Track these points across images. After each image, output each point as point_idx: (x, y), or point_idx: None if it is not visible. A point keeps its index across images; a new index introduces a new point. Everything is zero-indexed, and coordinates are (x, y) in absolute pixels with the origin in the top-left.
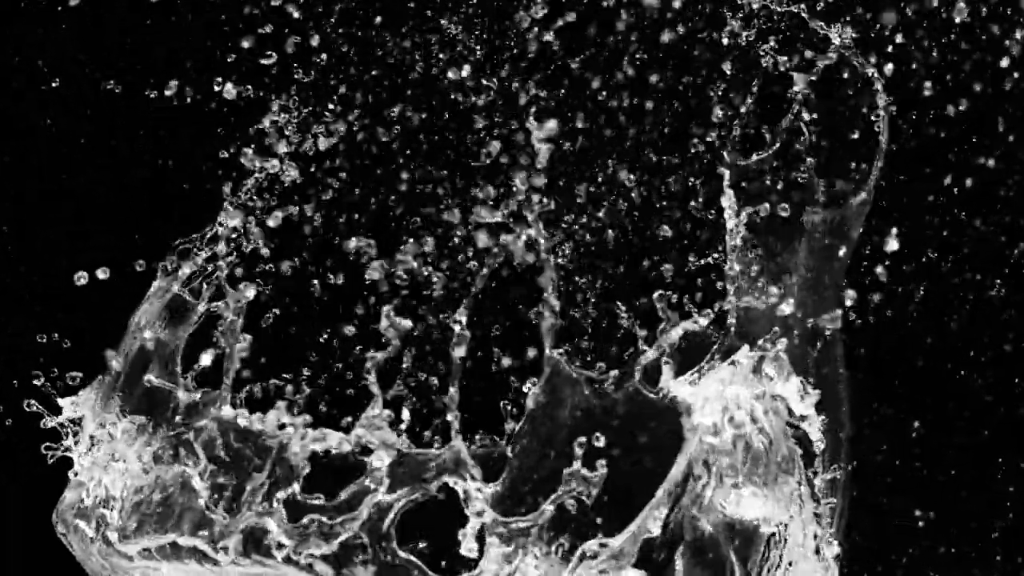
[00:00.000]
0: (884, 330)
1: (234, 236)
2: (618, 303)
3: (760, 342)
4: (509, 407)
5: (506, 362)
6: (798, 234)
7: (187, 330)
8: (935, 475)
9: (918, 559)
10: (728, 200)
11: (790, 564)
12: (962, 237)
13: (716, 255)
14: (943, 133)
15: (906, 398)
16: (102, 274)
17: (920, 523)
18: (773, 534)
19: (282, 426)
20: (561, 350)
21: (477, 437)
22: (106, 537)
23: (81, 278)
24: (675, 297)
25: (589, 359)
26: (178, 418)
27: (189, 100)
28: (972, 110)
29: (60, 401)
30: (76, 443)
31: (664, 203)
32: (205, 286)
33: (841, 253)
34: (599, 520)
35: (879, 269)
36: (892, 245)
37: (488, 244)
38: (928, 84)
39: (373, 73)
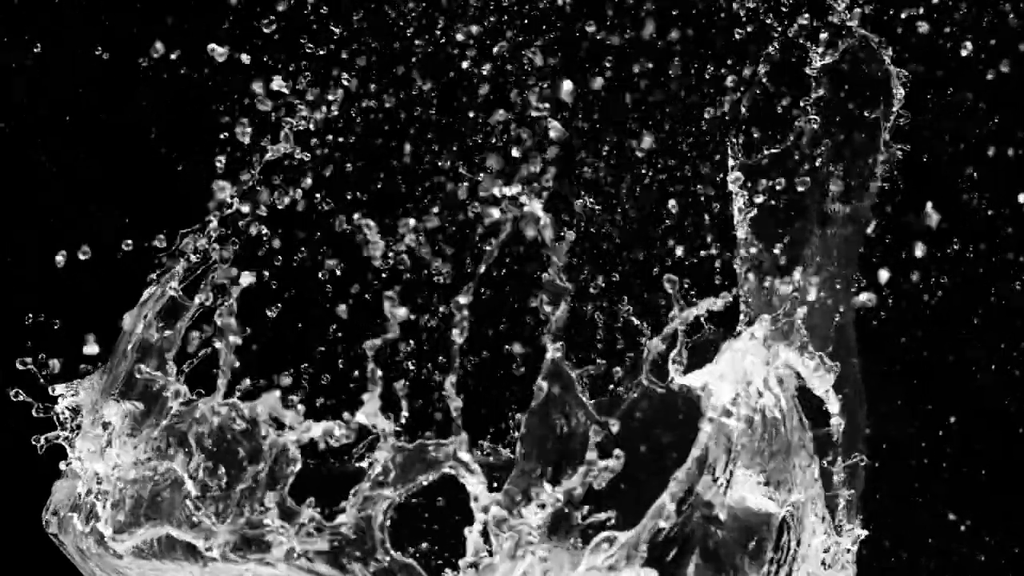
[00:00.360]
0: (914, 323)
1: (228, 215)
2: (624, 299)
3: (777, 312)
4: (515, 412)
5: (516, 350)
6: (814, 219)
7: (183, 325)
8: (969, 477)
9: (953, 565)
10: (737, 185)
11: (803, 559)
12: (1002, 216)
13: (722, 244)
14: (981, 102)
15: (938, 396)
16: (83, 255)
17: (962, 527)
18: (786, 521)
19: (280, 426)
20: (558, 346)
21: (483, 443)
22: (98, 533)
23: (61, 255)
24: (687, 282)
25: (593, 356)
26: (173, 410)
27: (182, 71)
28: (1014, 74)
29: (55, 389)
30: (77, 429)
31: (679, 187)
32: (203, 283)
33: (869, 230)
34: (613, 513)
35: (918, 247)
36: (933, 219)
37: (496, 218)
38: (968, 44)
39: (372, 42)
